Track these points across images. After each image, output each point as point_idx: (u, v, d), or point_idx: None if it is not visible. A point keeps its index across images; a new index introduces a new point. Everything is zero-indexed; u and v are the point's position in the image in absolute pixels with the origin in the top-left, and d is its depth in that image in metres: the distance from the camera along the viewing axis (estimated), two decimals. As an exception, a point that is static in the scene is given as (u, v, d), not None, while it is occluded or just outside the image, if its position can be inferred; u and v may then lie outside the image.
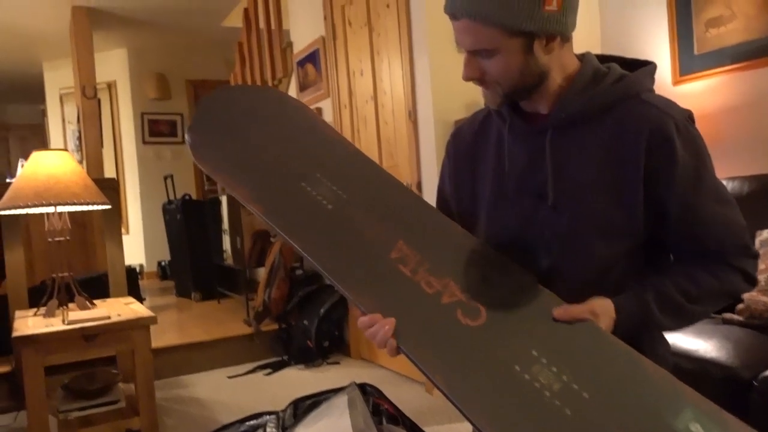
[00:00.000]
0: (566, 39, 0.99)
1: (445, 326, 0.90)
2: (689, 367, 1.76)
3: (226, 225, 4.76)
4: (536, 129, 1.03)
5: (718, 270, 0.99)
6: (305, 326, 3.67)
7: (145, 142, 6.87)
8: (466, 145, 1.18)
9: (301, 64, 4.07)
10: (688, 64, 2.64)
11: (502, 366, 0.85)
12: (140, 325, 2.29)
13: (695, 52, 2.61)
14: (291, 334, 3.75)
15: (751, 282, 1.03)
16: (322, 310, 3.64)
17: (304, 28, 4.06)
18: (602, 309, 0.92)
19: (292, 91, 4.32)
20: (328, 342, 3.67)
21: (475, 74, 0.99)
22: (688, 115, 1.01)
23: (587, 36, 2.92)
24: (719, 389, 1.72)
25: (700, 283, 0.98)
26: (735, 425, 0.78)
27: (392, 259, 0.98)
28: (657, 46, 2.78)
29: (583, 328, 0.89)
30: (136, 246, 6.77)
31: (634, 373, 0.84)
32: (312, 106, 3.98)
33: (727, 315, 1.97)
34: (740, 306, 1.94)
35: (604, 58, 1.07)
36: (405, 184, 3.00)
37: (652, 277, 0.99)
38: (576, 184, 0.99)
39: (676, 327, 1.01)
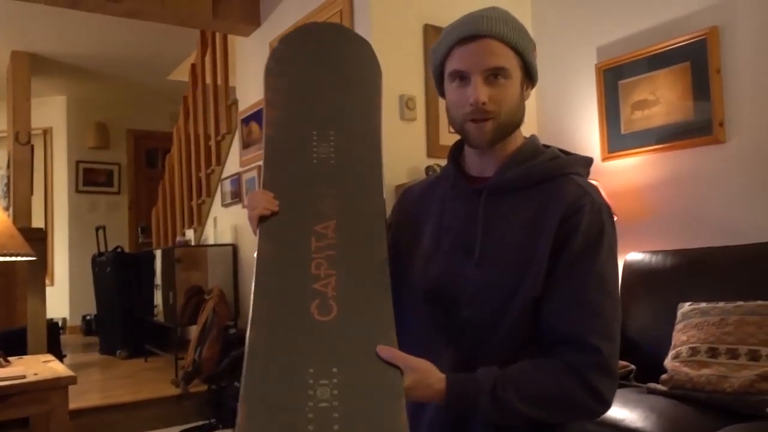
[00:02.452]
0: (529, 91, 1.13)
1: (293, 301, 0.95)
2: (617, 437, 1.79)
3: (159, 280, 4.61)
4: (476, 189, 1.11)
5: (567, 382, 0.95)
6: (237, 388, 3.54)
7: (78, 191, 6.67)
8: (412, 201, 1.26)
9: (246, 121, 4.09)
10: (615, 142, 2.80)
11: (300, 360, 0.88)
12: (58, 386, 2.16)
13: (622, 131, 2.78)
14: (221, 396, 3.60)
15: (602, 402, 0.97)
16: (254, 372, 3.53)
17: (250, 87, 4.11)
18: (421, 367, 0.94)
19: (236, 148, 4.32)
20: (259, 405, 3.55)
21: (486, 98, 1.03)
22: (607, 207, 1.07)
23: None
24: (645, 459, 1.75)
25: (544, 391, 0.95)
26: None
27: (313, 230, 1.04)
28: (588, 124, 2.95)
29: (389, 377, 0.90)
30: (61, 298, 6.45)
31: None
32: (255, 164, 3.98)
33: (652, 385, 2.03)
34: (664, 376, 2.01)
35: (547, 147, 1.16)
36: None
37: (505, 368, 0.97)
38: (500, 246, 1.06)
39: (504, 423, 0.98)
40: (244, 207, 4.15)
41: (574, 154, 1.14)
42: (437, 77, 1.14)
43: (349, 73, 1.29)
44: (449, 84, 1.09)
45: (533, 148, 1.12)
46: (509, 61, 1.04)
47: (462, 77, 1.05)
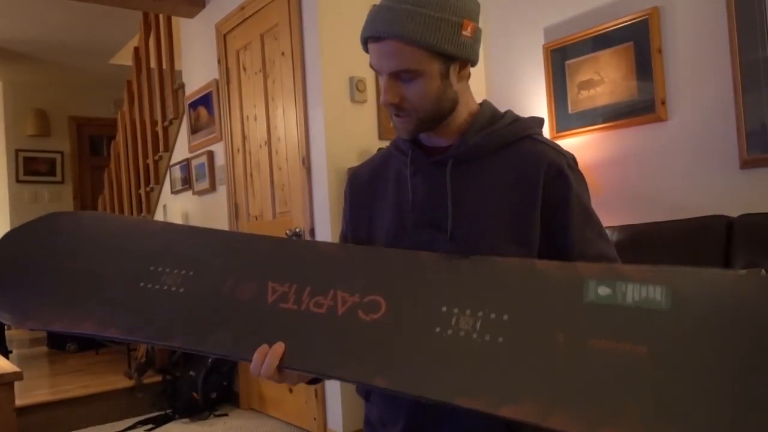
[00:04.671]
0: (471, 67, 1.07)
1: (354, 333, 0.90)
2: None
3: (107, 270, 4.50)
4: (437, 161, 1.07)
5: None
6: (192, 377, 3.50)
7: (19, 181, 6.41)
8: (363, 184, 1.19)
9: (194, 106, 4.00)
10: (563, 121, 2.86)
11: (424, 337, 0.87)
12: (3, 382, 2.10)
13: (569, 111, 2.83)
14: (176, 386, 3.56)
15: None
16: (209, 360, 3.50)
17: (197, 71, 4.01)
18: None
19: (183, 134, 4.22)
20: (215, 393, 3.52)
21: (395, 99, 1.00)
22: (574, 158, 1.09)
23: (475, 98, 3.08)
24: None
25: None
26: (628, 271, 0.85)
27: (271, 303, 0.97)
28: (537, 104, 2.99)
29: (471, 262, 0.93)
30: (5, 293, 6.22)
31: (530, 276, 0.89)
32: (204, 149, 3.90)
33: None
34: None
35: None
36: (298, 230, 2.99)
37: None
38: (474, 217, 1.03)
39: None
40: (194, 194, 4.07)
41: (529, 116, 1.13)
42: None
43: (102, 234, 1.15)
44: None
45: (491, 113, 1.10)
46: (416, 60, 0.97)
47: (378, 72, 1.02)
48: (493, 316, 0.85)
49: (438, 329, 0.86)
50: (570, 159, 1.07)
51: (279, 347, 0.91)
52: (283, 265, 1.01)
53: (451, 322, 0.86)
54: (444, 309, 0.88)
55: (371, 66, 1.03)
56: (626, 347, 0.78)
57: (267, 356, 0.91)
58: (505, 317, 0.85)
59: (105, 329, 1.00)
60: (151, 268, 1.04)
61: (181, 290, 1.01)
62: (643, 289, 0.82)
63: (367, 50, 1.03)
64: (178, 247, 1.08)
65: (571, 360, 0.80)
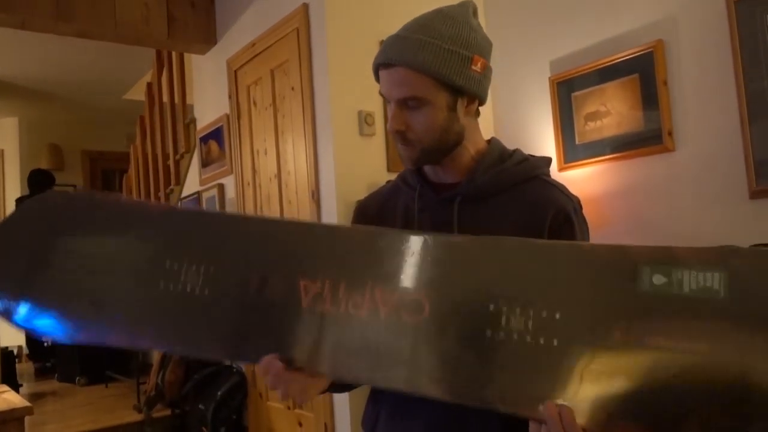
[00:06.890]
0: (480, 105, 1.07)
1: (400, 337, 0.84)
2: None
3: (118, 303, 4.51)
4: (445, 198, 1.07)
5: None
6: (201, 411, 3.48)
7: (32, 215, 6.49)
8: (371, 217, 1.19)
9: (204, 140, 4.05)
10: (571, 153, 2.87)
11: (476, 337, 0.81)
12: (13, 418, 2.10)
13: (576, 142, 2.85)
14: (185, 420, 3.54)
15: None
16: (219, 394, 3.48)
17: (208, 105, 4.07)
18: None
19: (194, 167, 4.27)
20: (225, 428, 3.49)
21: (401, 126, 1.01)
22: (579, 202, 1.11)
23: (482, 128, 3.10)
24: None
25: None
26: (684, 254, 0.78)
27: (307, 307, 0.89)
28: (544, 136, 3.01)
29: (512, 245, 0.87)
30: (16, 326, 6.25)
31: (578, 263, 0.83)
32: (215, 183, 3.94)
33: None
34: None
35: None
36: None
37: None
38: None
39: None
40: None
41: (537, 156, 1.14)
42: None
43: (108, 224, 1.03)
44: None
45: (500, 152, 1.11)
46: (424, 89, 0.99)
47: (387, 100, 1.04)
48: (544, 314, 0.79)
49: (489, 332, 0.81)
50: (576, 203, 1.08)
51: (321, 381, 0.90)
52: (307, 255, 0.93)
53: (501, 323, 0.80)
54: (492, 307, 0.81)
55: (381, 94, 1.05)
56: (685, 344, 0.74)
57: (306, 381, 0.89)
58: (557, 315, 0.79)
59: (135, 340, 0.94)
60: (167, 265, 0.94)
61: (206, 292, 0.93)
62: (700, 277, 0.75)
63: (378, 79, 1.05)
64: (188, 236, 0.98)
65: (629, 362, 0.75)
